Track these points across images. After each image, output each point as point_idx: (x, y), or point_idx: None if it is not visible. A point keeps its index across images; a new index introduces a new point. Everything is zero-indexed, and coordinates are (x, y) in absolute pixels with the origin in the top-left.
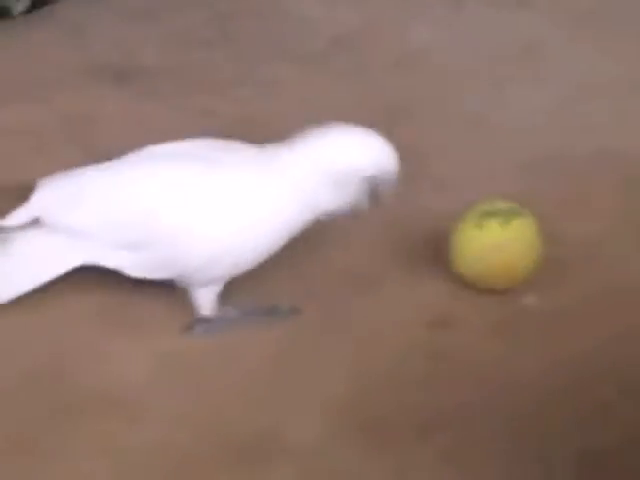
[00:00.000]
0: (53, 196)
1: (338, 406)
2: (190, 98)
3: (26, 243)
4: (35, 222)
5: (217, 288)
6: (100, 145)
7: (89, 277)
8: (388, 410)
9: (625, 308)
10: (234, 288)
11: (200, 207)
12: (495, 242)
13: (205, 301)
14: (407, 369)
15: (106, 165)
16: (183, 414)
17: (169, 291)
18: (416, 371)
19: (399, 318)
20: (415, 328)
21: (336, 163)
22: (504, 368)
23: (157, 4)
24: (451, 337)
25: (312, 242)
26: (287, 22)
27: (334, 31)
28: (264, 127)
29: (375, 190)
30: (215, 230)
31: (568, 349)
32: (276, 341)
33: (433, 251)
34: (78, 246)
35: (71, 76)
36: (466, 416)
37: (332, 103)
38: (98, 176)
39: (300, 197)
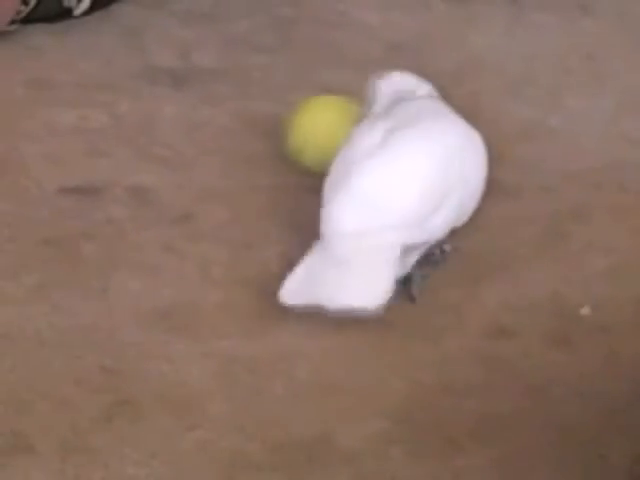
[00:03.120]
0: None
1: (392, 411)
2: (248, 102)
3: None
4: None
5: None
6: (158, 149)
7: (154, 278)
8: (443, 416)
9: None
10: None
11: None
12: None
13: None
14: (463, 376)
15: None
16: (238, 418)
17: (232, 294)
18: (472, 378)
19: (457, 325)
20: (472, 335)
21: None
22: (562, 377)
23: (217, 8)
24: (508, 346)
25: None
26: (345, 28)
27: (392, 37)
28: None
29: None
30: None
31: (626, 359)
32: (333, 347)
33: (492, 259)
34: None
35: (129, 79)
36: (522, 424)
37: None
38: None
39: None
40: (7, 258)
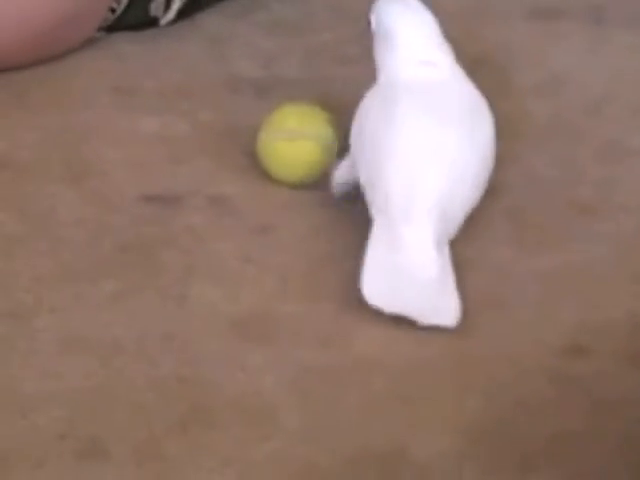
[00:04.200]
0: None
1: (467, 427)
2: (330, 113)
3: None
4: None
5: None
6: (239, 158)
7: (232, 288)
8: (516, 434)
9: None
10: None
11: None
12: None
13: None
14: (538, 394)
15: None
16: (312, 428)
17: (310, 305)
18: (547, 396)
19: (533, 343)
20: (548, 353)
21: None
22: (637, 396)
23: (301, 19)
24: (583, 364)
25: None
26: None
27: (475, 51)
28: None
29: None
30: None
31: None
32: (409, 359)
33: (568, 277)
34: None
35: (212, 87)
36: (596, 443)
37: None
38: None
39: None
40: (86, 263)
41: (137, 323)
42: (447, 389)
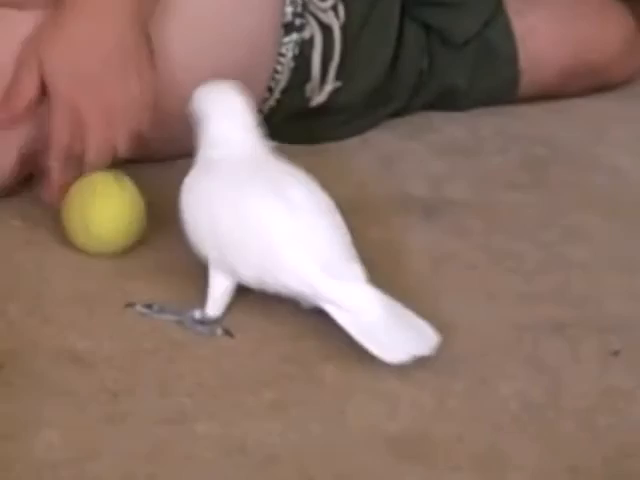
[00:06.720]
0: None
1: None
2: (495, 238)
3: None
4: None
5: None
6: (402, 277)
7: (390, 405)
8: None
9: None
10: None
11: None
12: None
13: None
14: None
15: None
16: None
17: (466, 427)
18: None
19: None
20: None
21: None
22: None
23: (471, 142)
24: None
25: None
26: (598, 171)
27: None
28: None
29: None
30: None
31: None
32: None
33: None
34: None
35: (380, 205)
36: None
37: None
38: None
39: None
40: (248, 373)
41: (295, 434)
42: None
